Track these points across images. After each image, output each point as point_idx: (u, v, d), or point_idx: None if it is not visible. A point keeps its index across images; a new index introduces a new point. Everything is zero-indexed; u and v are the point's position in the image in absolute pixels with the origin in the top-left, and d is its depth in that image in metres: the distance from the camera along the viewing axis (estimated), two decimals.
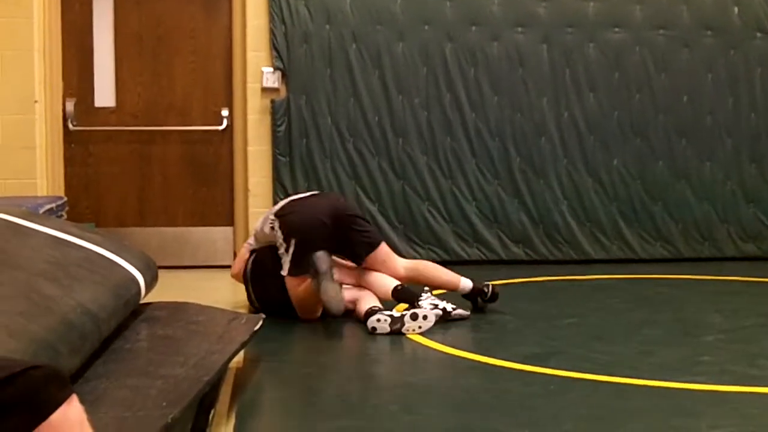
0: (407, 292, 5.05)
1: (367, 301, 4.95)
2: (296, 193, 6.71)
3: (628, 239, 7.42)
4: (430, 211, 7.20)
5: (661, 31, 7.39)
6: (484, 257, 7.25)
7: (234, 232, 7.17)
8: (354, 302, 5.01)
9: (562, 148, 7.33)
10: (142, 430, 2.48)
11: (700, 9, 7.41)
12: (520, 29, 7.24)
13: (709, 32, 7.44)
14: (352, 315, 4.99)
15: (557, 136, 7.32)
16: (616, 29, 7.34)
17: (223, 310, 4.58)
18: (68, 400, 1.76)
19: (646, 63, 7.39)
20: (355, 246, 5.24)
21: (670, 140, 7.46)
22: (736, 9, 7.46)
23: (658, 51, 7.40)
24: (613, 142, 7.40)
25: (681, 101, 7.46)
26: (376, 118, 7.12)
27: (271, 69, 6.98)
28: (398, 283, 5.11)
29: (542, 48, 7.27)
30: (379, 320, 4.72)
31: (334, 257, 5.15)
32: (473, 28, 7.18)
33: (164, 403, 2.69)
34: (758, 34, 7.50)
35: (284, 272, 5.07)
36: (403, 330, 4.69)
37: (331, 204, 5.37)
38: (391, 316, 4.73)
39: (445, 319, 4.93)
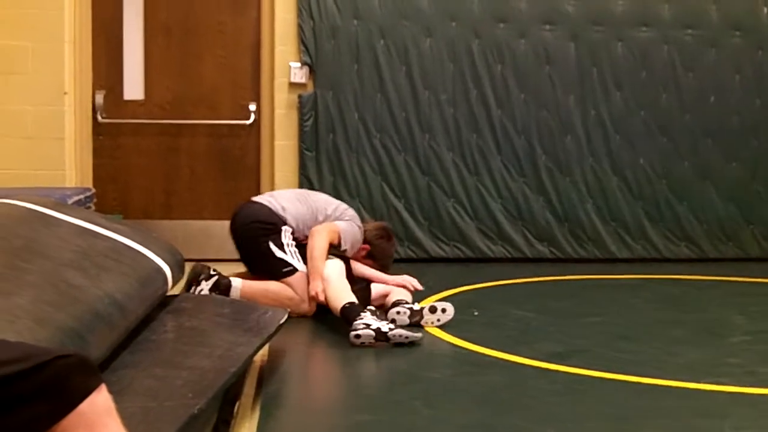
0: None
1: (396, 295, 4.99)
2: (321, 189, 6.76)
3: (653, 239, 7.40)
4: (455, 208, 7.20)
5: (689, 31, 7.36)
6: (508, 255, 7.25)
7: None
8: (385, 296, 5.05)
9: (588, 146, 7.31)
10: (169, 420, 2.51)
11: (729, 9, 7.37)
12: (547, 27, 7.22)
13: (737, 32, 7.40)
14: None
15: (583, 134, 7.30)
16: (644, 28, 7.31)
17: (248, 303, 4.61)
18: (97, 389, 1.77)
19: (674, 62, 7.36)
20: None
21: (696, 140, 7.43)
22: (765, 9, 7.41)
23: (685, 50, 7.36)
24: (638, 141, 7.37)
25: (707, 101, 7.42)
26: (403, 114, 7.12)
27: (299, 64, 7.00)
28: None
29: (570, 46, 7.26)
30: (399, 312, 4.75)
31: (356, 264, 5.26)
32: (501, 24, 7.17)
33: (190, 394, 2.71)
34: None
35: None
36: (422, 323, 4.71)
37: (236, 213, 5.38)
38: (410, 308, 4.75)
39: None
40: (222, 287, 4.99)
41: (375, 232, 5.50)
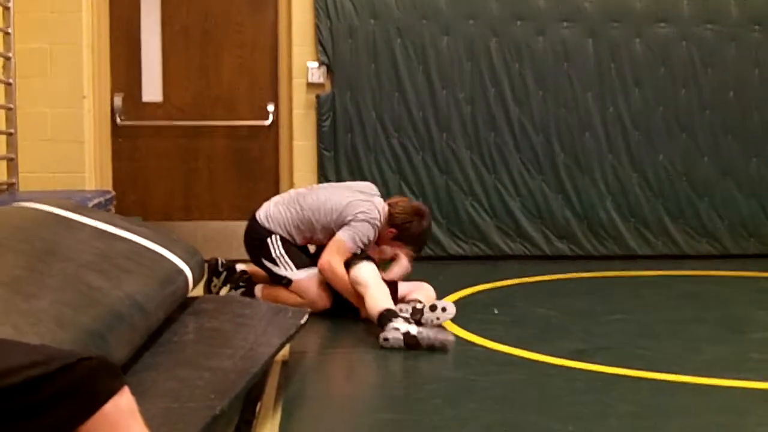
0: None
1: (416, 293, 5.00)
2: None
3: (674, 235, 7.37)
4: (473, 206, 7.19)
5: (708, 26, 7.32)
6: (527, 252, 7.24)
7: None
8: (410, 293, 5.04)
9: (607, 144, 7.29)
10: (191, 421, 2.51)
11: (748, 4, 7.34)
12: (565, 24, 7.21)
13: (756, 27, 7.36)
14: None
15: (602, 132, 7.28)
16: (663, 24, 7.29)
17: (268, 304, 4.61)
18: (120, 391, 1.78)
19: (693, 58, 7.33)
20: None
21: (716, 136, 7.40)
22: None
23: (704, 46, 7.33)
24: (658, 138, 7.35)
25: (727, 97, 7.39)
26: (421, 113, 7.12)
27: (317, 64, 7.01)
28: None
29: (588, 42, 7.24)
30: (401, 310, 4.65)
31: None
32: (519, 22, 7.16)
33: (212, 395, 2.72)
34: None
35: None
36: (422, 321, 4.63)
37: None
38: (413, 307, 4.71)
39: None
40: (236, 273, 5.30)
41: (403, 217, 5.18)
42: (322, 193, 5.31)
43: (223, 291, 5.36)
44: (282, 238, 5.17)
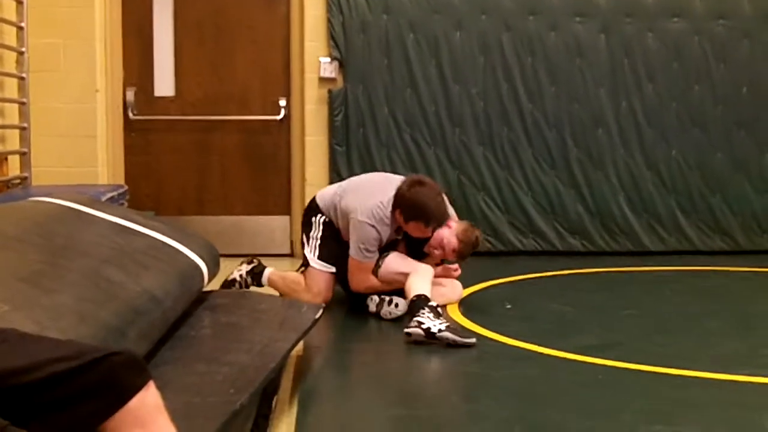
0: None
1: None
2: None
3: (686, 231, 7.36)
4: (485, 202, 7.19)
5: (721, 21, 7.31)
6: (540, 248, 7.24)
7: (291, 221, 7.22)
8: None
9: (620, 139, 7.28)
10: (212, 416, 2.53)
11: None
12: (578, 19, 7.19)
13: None
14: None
15: (615, 127, 7.27)
16: (676, 19, 7.27)
17: (282, 299, 4.63)
18: (146, 386, 1.80)
19: (706, 53, 7.31)
20: None
21: (729, 131, 7.38)
22: None
23: (717, 41, 7.32)
24: (671, 133, 7.34)
25: (740, 92, 7.37)
26: (433, 108, 7.12)
27: (329, 59, 7.01)
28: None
29: (601, 38, 7.22)
30: (372, 299, 4.97)
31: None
32: (531, 17, 7.15)
33: (232, 390, 2.74)
34: None
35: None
36: (381, 313, 4.89)
37: None
38: (381, 298, 4.93)
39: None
40: (256, 271, 5.31)
41: (398, 192, 4.92)
42: (361, 185, 5.27)
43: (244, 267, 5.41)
44: (325, 224, 5.18)
